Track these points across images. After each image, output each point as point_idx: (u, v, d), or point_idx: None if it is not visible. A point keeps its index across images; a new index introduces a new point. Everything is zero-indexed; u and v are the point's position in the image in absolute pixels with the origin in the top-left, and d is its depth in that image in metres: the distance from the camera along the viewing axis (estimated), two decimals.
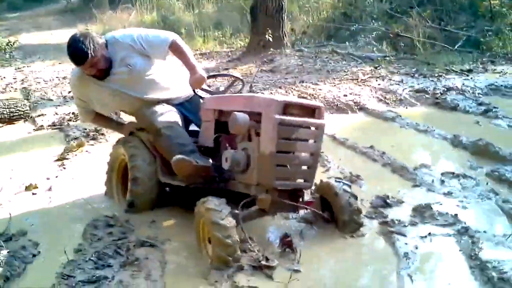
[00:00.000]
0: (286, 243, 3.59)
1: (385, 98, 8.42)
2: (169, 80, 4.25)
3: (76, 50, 3.80)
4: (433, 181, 4.91)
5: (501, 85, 8.81)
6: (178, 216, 4.21)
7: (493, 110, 7.40)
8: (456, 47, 12.16)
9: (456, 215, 4.04)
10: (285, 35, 12.55)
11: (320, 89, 8.84)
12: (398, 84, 9.21)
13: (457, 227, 3.89)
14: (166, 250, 3.68)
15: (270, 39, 11.81)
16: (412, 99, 8.39)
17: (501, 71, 9.95)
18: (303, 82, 9.42)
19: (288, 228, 3.96)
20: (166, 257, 3.57)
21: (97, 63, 3.88)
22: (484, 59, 11.14)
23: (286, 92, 8.72)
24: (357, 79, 9.57)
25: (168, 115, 4.15)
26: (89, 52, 3.78)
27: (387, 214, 4.18)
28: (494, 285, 3.09)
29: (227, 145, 4.08)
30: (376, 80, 9.50)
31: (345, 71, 10.23)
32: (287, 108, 3.48)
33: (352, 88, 8.95)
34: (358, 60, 11.29)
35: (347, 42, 13.63)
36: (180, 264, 3.51)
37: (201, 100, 4.33)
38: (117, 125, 4.74)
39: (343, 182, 3.92)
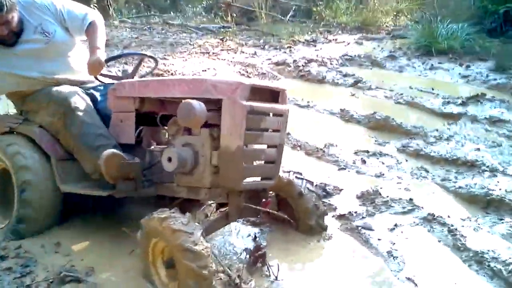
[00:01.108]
0: (259, 257, 2.98)
1: (247, 72, 8.03)
2: (82, 62, 3.61)
3: None
4: (354, 162, 4.67)
5: (355, 56, 9.08)
6: (88, 236, 3.37)
7: (362, 81, 7.51)
8: (288, 17, 12.32)
9: (411, 199, 3.83)
10: (110, 5, 11.36)
11: (172, 64, 8.10)
12: (253, 57, 8.93)
13: (419, 213, 3.70)
14: (98, 285, 2.81)
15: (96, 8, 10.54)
16: (275, 72, 8.16)
17: (344, 41, 10.29)
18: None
19: (247, 236, 3.34)
20: None
21: (10, 22, 3.26)
22: (320, 29, 11.44)
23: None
24: (208, 52, 9.03)
25: (82, 99, 3.39)
26: (4, 4, 3.17)
27: (336, 206, 3.79)
28: (507, 279, 2.90)
29: (152, 141, 3.44)
30: (228, 53, 9.09)
31: (190, 44, 9.62)
32: (252, 92, 2.83)
33: (206, 62, 8.40)
34: (198, 32, 10.73)
35: (172, 12, 12.93)
36: None
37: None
38: None
39: (305, 180, 3.40)
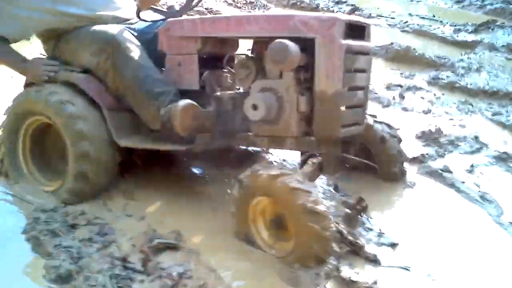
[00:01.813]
0: (362, 210, 2.83)
1: (234, 0, 7.58)
2: None
3: None
4: (394, 98, 4.53)
5: None
6: (154, 195, 3.08)
7: (359, 9, 7.30)
8: None
9: (476, 137, 3.74)
10: None
11: None
12: None
13: (488, 152, 3.63)
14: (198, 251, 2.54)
15: None
16: (263, 1, 7.73)
17: None
18: None
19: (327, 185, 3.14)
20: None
21: None
22: None
23: None
24: None
25: (132, 38, 3.00)
26: None
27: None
28: None
29: (216, 86, 3.08)
30: None
31: None
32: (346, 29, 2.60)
33: None
34: None
35: None
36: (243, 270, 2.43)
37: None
38: (20, 59, 3.14)
39: (385, 123, 3.23)
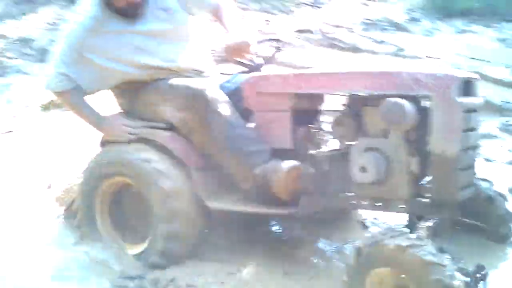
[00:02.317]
0: (481, 278, 2.60)
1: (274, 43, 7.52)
2: (202, 47, 3.15)
3: None
4: None
5: (374, 19, 8.76)
6: (246, 250, 2.93)
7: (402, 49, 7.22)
8: None
9: None
10: None
11: None
12: (268, 25, 8.39)
13: None
14: None
15: None
16: (302, 41, 7.65)
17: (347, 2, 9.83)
18: None
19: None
20: None
21: None
22: None
23: None
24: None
25: (219, 93, 2.85)
26: None
27: None
28: None
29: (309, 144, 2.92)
30: None
31: None
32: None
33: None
34: None
35: None
36: None
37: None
38: (97, 115, 3.02)
39: (488, 181, 3.03)
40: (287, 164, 2.57)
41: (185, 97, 2.77)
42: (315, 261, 2.92)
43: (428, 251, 2.19)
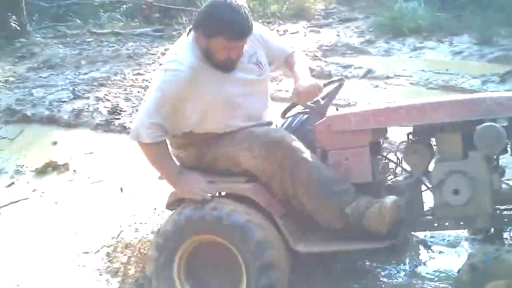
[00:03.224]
0: None
1: None
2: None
3: (244, 19, 2.78)
4: None
5: (331, 44, 9.10)
6: None
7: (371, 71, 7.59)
8: None
9: None
10: (25, 19, 10.17)
11: None
12: None
13: None
14: None
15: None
16: None
17: (297, 31, 10.22)
18: (120, 73, 7.84)
19: None
20: None
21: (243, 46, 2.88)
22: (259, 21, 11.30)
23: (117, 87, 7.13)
24: None
25: (297, 141, 2.89)
26: (251, 24, 2.82)
27: None
28: None
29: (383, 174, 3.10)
30: None
31: (152, 53, 8.99)
32: None
33: None
34: (142, 39, 10.06)
35: (79, 20, 11.95)
36: None
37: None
38: (177, 169, 2.99)
39: None
40: (391, 199, 2.66)
41: (265, 146, 2.80)
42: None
43: None
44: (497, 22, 8.99)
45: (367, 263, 3.27)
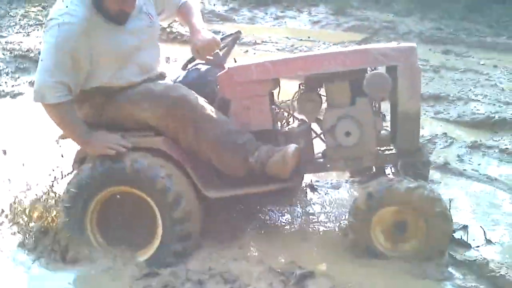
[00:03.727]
0: None
1: None
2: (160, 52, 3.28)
3: None
4: None
5: None
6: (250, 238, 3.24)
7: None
8: None
9: None
10: None
11: (21, 42, 7.20)
12: None
13: None
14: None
15: None
16: None
17: None
18: None
19: None
20: None
21: None
22: None
23: None
24: (43, 23, 8.18)
25: (194, 94, 2.99)
26: None
27: None
28: None
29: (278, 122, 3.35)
30: None
31: (11, 15, 8.51)
32: None
33: None
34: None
35: None
36: None
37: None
38: (87, 129, 2.90)
39: None
40: (291, 148, 2.87)
41: (166, 105, 2.85)
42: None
43: (430, 190, 2.85)
44: None
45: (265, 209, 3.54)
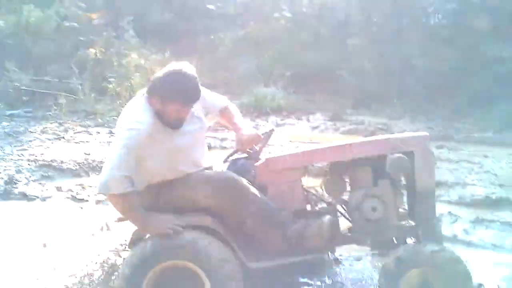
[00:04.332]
0: None
1: None
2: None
3: (196, 87, 3.24)
4: None
5: None
6: None
7: None
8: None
9: None
10: None
11: (42, 154, 7.66)
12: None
13: None
14: None
15: None
16: None
17: None
18: (2, 150, 7.88)
19: None
20: None
21: None
22: None
23: (5, 162, 7.19)
24: (62, 137, 8.79)
25: (244, 180, 3.39)
26: (200, 90, 3.28)
27: None
28: None
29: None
30: (85, 135, 8.99)
31: (31, 131, 9.07)
32: None
33: (76, 147, 8.18)
34: (16, 119, 10.13)
35: None
36: None
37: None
38: (147, 214, 3.24)
39: None
40: (327, 219, 3.26)
41: (218, 185, 3.23)
42: None
43: (451, 252, 3.21)
44: (342, 104, 10.56)
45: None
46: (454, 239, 4.43)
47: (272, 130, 3.93)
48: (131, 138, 3.09)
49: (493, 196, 5.50)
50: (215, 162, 3.73)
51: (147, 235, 3.26)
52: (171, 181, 3.31)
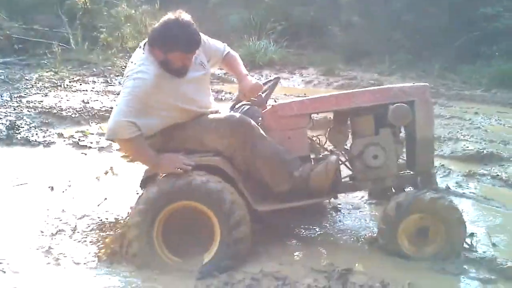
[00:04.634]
0: None
1: None
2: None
3: (194, 34, 3.30)
4: None
5: None
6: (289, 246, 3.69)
7: None
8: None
9: None
10: None
11: (40, 101, 7.69)
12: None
13: None
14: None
15: None
16: None
17: None
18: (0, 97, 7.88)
19: None
20: None
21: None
22: None
23: (4, 109, 7.22)
24: (60, 85, 8.78)
25: (254, 122, 3.51)
26: (199, 35, 3.35)
27: None
28: None
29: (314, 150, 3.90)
30: (81, 84, 9.00)
31: (27, 79, 9.04)
32: None
33: (73, 95, 8.20)
34: (11, 67, 10.07)
35: None
36: None
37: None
38: (156, 155, 3.35)
39: None
40: (333, 158, 3.38)
41: (230, 126, 3.36)
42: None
43: (449, 200, 3.39)
44: (334, 59, 10.62)
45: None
46: (447, 191, 4.60)
47: (278, 78, 4.07)
48: (136, 86, 3.19)
49: (484, 151, 5.70)
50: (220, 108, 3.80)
51: (159, 175, 3.38)
52: (184, 124, 3.41)
